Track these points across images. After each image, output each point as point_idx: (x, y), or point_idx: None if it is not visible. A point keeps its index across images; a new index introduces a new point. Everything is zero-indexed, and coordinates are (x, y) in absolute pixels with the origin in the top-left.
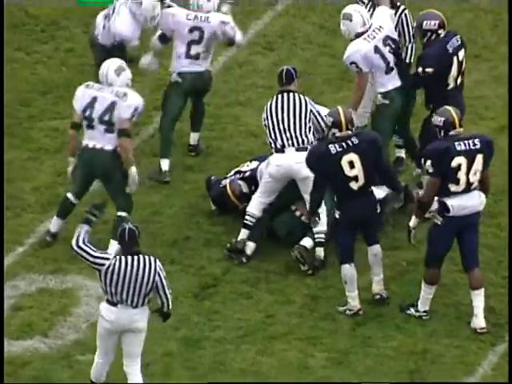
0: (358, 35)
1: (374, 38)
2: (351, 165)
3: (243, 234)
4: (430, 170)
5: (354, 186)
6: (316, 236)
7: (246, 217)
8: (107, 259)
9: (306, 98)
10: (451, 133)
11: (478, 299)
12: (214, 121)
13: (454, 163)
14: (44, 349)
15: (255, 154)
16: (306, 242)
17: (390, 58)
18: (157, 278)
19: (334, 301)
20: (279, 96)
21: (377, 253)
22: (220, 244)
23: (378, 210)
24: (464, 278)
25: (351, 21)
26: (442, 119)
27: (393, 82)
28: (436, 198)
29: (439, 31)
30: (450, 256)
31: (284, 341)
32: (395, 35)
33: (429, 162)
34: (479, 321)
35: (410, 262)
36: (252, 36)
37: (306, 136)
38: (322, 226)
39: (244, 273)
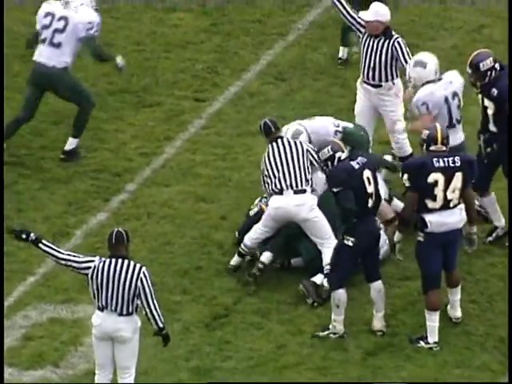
0: (427, 83)
1: (446, 89)
2: (368, 181)
3: (235, 261)
4: (407, 184)
5: (370, 203)
6: (326, 268)
7: (242, 245)
8: (92, 261)
9: (297, 141)
10: (431, 148)
11: (456, 294)
12: (225, 151)
13: (430, 179)
14: (55, 379)
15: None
16: (317, 278)
17: (456, 113)
18: (139, 283)
19: (345, 331)
20: (273, 144)
21: (380, 289)
22: (231, 274)
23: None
24: (475, 308)
25: (425, 68)
26: (426, 133)
27: (453, 137)
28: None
29: (495, 66)
30: (462, 286)
31: (295, 371)
32: (461, 94)
33: (405, 176)
34: (455, 311)
35: (421, 293)
36: (263, 66)
37: (306, 179)
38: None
39: (255, 303)
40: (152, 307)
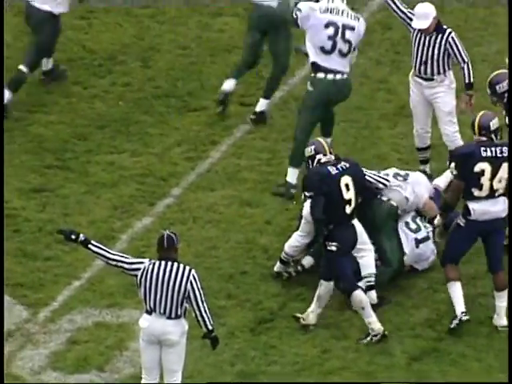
0: None
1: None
2: (347, 187)
3: (278, 267)
4: (454, 173)
5: (348, 210)
6: (366, 280)
7: (283, 253)
8: (142, 263)
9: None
10: (483, 138)
11: (502, 300)
12: (271, 156)
13: (476, 168)
14: (100, 383)
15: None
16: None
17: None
18: (189, 286)
19: (390, 335)
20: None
21: (330, 289)
22: (276, 279)
23: None
24: None
25: None
26: (479, 120)
27: None
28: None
29: None
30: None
31: (340, 376)
32: None
33: (453, 165)
34: (500, 319)
35: (467, 298)
36: (308, 71)
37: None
38: (370, 269)
39: (300, 308)
40: (202, 310)
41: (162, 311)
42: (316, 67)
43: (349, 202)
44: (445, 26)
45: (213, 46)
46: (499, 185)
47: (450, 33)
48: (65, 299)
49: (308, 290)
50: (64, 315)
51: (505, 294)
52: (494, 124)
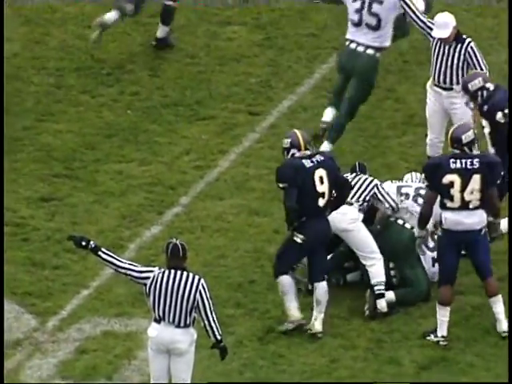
0: None
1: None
2: (321, 180)
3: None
4: (426, 184)
5: (320, 202)
6: (375, 288)
7: None
8: (152, 271)
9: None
10: (454, 150)
11: (497, 305)
12: (277, 164)
13: (445, 180)
14: None
15: None
16: (390, 295)
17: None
18: (197, 295)
19: (398, 345)
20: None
21: (326, 290)
22: None
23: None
24: None
25: None
26: (450, 131)
27: None
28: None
29: (486, 85)
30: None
31: None
32: None
33: (423, 176)
34: (501, 325)
35: (474, 307)
36: (317, 80)
37: (357, 197)
38: (380, 277)
39: (309, 317)
40: (211, 319)
41: (170, 320)
42: (346, 40)
43: (322, 194)
44: (464, 36)
45: (221, 54)
46: (472, 196)
47: (469, 42)
48: (73, 308)
49: None
50: (72, 324)
51: (498, 298)
52: (467, 137)
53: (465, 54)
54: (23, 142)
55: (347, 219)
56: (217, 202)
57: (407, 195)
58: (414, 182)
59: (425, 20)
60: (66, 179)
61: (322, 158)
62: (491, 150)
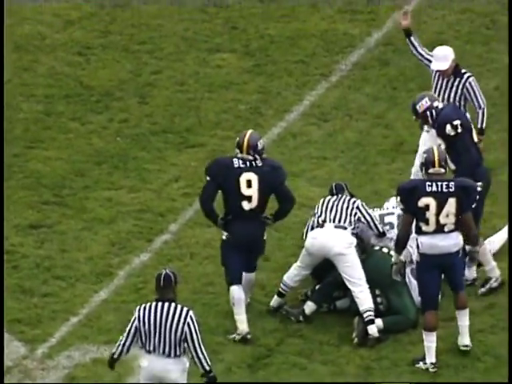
0: None
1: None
2: (248, 184)
3: (275, 301)
4: (401, 207)
5: (245, 205)
6: (365, 315)
7: (281, 285)
8: (134, 319)
9: (353, 199)
10: (430, 171)
11: (464, 319)
12: None
13: (420, 203)
14: None
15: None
16: (378, 322)
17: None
18: (186, 328)
19: (388, 372)
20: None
21: (251, 279)
22: (274, 315)
23: (265, 238)
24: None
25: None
26: (425, 156)
27: None
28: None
29: (434, 104)
30: (502, 327)
31: None
32: None
33: (398, 199)
34: (463, 339)
35: None
36: (306, 107)
37: (350, 220)
38: (367, 304)
39: (298, 344)
40: (198, 351)
41: (161, 352)
42: None
43: (248, 198)
44: (463, 70)
45: (210, 81)
46: (447, 219)
47: (468, 77)
48: (62, 335)
49: (306, 325)
50: (62, 351)
51: (466, 312)
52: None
53: (463, 89)
54: (12, 169)
55: (343, 243)
56: (206, 229)
57: (391, 224)
58: (397, 208)
59: (423, 53)
60: (55, 206)
61: (260, 165)
62: (452, 166)
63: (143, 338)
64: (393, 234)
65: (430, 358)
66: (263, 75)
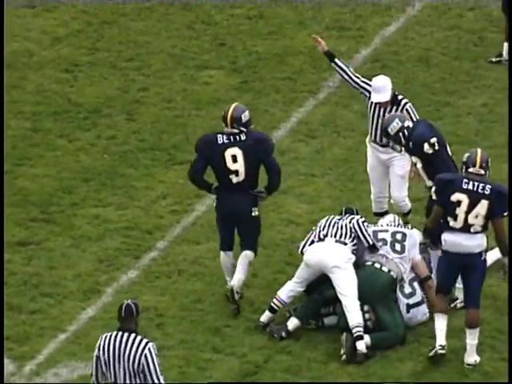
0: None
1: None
2: (234, 158)
3: (265, 317)
4: (434, 197)
5: (233, 179)
6: (354, 330)
7: (274, 300)
8: (97, 351)
9: (360, 222)
10: (470, 170)
11: (472, 337)
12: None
13: (453, 197)
14: None
15: (296, 241)
16: (366, 338)
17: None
18: (143, 359)
19: None
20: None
21: (248, 255)
22: (262, 332)
23: (254, 214)
24: (505, 366)
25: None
26: (467, 155)
27: None
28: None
29: (405, 124)
30: (491, 344)
31: None
32: None
33: (433, 189)
34: (469, 356)
35: (452, 351)
36: (294, 124)
37: (350, 237)
38: (358, 319)
39: (285, 361)
40: (156, 383)
41: (121, 382)
42: None
43: (235, 172)
44: (400, 97)
45: (198, 98)
46: (475, 220)
47: (405, 103)
48: (50, 352)
49: (294, 342)
50: (49, 368)
51: (476, 332)
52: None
53: None
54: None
55: (342, 257)
56: (193, 246)
57: (384, 241)
58: (391, 225)
59: (358, 81)
60: (43, 223)
61: (244, 138)
62: (429, 183)
63: (103, 368)
64: (384, 250)
65: (440, 340)
66: (251, 92)
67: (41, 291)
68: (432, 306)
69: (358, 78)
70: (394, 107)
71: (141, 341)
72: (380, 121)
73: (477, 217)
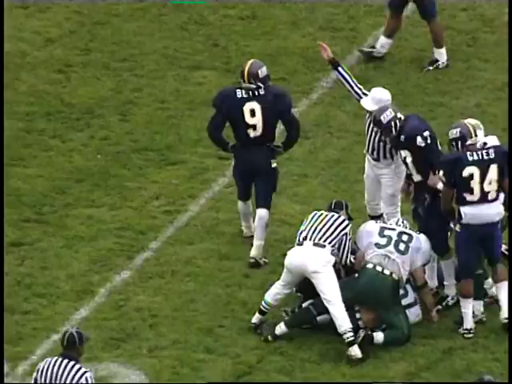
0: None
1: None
2: (252, 113)
3: (256, 318)
4: (443, 180)
5: (251, 133)
6: (345, 337)
7: (263, 303)
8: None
9: (343, 218)
10: (468, 142)
11: (501, 292)
12: None
13: (465, 173)
14: None
15: (289, 242)
16: (379, 335)
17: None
18: None
19: None
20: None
21: (263, 217)
22: (255, 332)
23: (273, 166)
24: (498, 366)
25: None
26: (458, 130)
27: None
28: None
29: (397, 115)
30: (484, 344)
31: None
32: None
33: (441, 173)
34: (503, 312)
35: (445, 351)
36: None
37: (330, 240)
38: (346, 324)
39: (279, 361)
40: None
41: None
42: None
43: (253, 127)
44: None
45: (191, 99)
46: (490, 187)
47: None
48: (43, 353)
49: (287, 343)
50: None
51: (504, 285)
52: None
53: None
54: None
55: (320, 261)
56: (187, 246)
57: (389, 238)
58: (400, 225)
59: (359, 92)
60: (36, 224)
61: (263, 93)
62: (417, 178)
63: None
64: (387, 249)
65: (467, 323)
66: None
67: (34, 292)
68: (426, 310)
69: (360, 89)
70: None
71: (79, 369)
72: (373, 134)
73: (490, 183)
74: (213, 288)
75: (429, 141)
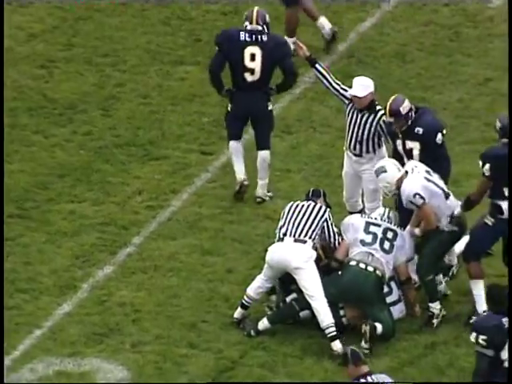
0: (399, 181)
1: (419, 172)
2: (252, 57)
3: (238, 313)
4: (487, 174)
5: (248, 78)
6: (327, 332)
7: (245, 297)
8: None
9: (322, 207)
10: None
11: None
12: (231, 204)
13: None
14: None
15: (272, 237)
16: (379, 327)
17: (442, 184)
18: None
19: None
20: (295, 202)
21: (265, 158)
22: (237, 327)
23: (269, 108)
24: None
25: (386, 171)
26: (503, 123)
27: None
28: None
29: (412, 106)
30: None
31: None
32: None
33: (487, 166)
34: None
35: (428, 346)
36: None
37: (310, 234)
38: (328, 319)
39: (261, 356)
40: None
41: None
42: None
43: (251, 71)
44: (378, 107)
45: (173, 94)
46: None
47: (382, 114)
48: (26, 348)
49: (270, 338)
50: (25, 364)
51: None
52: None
53: (376, 126)
54: None
55: (302, 257)
56: (169, 241)
57: (375, 236)
58: (384, 220)
59: (337, 87)
60: (19, 219)
61: (265, 39)
62: None
63: None
64: (372, 247)
65: (480, 306)
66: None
67: (17, 287)
68: (410, 306)
69: (338, 84)
70: (371, 116)
71: None
72: (356, 129)
73: None
74: (195, 283)
75: (443, 138)
